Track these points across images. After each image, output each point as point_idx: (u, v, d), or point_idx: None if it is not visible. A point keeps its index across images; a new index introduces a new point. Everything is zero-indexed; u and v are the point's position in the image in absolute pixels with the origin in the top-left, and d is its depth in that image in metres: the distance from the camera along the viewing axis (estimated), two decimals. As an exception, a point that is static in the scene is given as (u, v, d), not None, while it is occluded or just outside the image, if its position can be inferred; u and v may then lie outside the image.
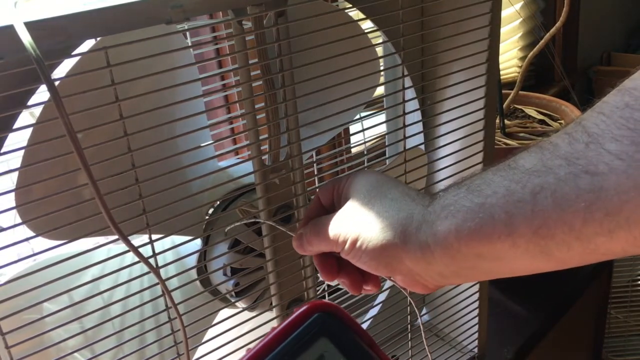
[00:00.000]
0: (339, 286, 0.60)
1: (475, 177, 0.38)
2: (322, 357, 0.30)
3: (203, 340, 0.61)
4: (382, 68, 0.69)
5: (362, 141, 0.78)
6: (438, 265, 0.39)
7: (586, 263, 0.35)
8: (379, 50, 0.67)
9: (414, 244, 0.40)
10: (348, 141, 0.96)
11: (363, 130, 0.73)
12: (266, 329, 0.64)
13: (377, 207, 0.43)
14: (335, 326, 0.31)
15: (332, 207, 0.48)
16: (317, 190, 0.52)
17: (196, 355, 0.60)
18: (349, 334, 0.31)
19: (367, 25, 0.66)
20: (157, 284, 0.53)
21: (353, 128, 0.81)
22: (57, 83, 0.44)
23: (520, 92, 1.26)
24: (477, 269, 0.39)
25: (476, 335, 0.87)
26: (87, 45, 0.47)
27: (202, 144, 0.58)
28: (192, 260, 0.62)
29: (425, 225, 0.39)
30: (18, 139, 0.48)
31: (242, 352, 0.62)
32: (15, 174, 0.47)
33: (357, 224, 0.43)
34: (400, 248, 0.40)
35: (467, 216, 0.37)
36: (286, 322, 0.31)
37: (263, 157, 0.59)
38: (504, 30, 1.58)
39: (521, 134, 1.19)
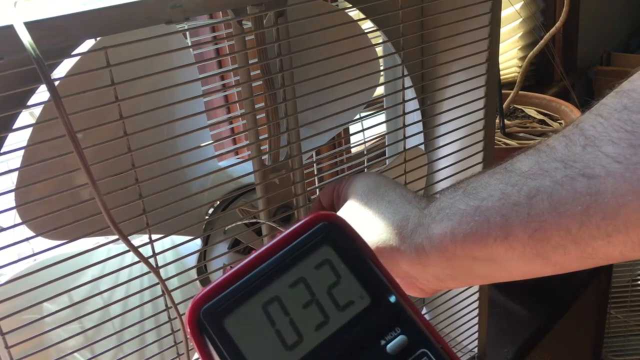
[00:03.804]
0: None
1: (472, 180, 0.38)
2: (324, 264, 0.31)
3: (203, 340, 0.61)
4: (382, 68, 0.69)
5: (362, 141, 0.78)
6: (434, 268, 0.39)
7: (584, 267, 0.34)
8: (379, 50, 0.67)
9: (410, 246, 0.39)
10: (348, 141, 0.96)
11: (363, 130, 0.73)
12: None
13: (374, 209, 0.42)
14: (339, 236, 0.32)
15: (333, 209, 0.48)
16: (319, 192, 0.52)
17: (196, 355, 0.60)
18: (353, 245, 0.32)
19: (367, 25, 0.66)
20: (157, 284, 0.53)
21: (353, 128, 0.81)
22: (57, 83, 0.44)
23: (520, 92, 1.26)
24: (473, 272, 0.38)
25: (476, 335, 0.87)
26: (87, 45, 0.47)
27: (202, 144, 0.58)
28: (192, 260, 0.62)
29: (420, 228, 0.39)
30: (18, 139, 0.48)
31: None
32: (15, 174, 0.47)
33: (353, 225, 0.43)
34: (396, 250, 0.40)
35: (463, 219, 0.36)
36: (291, 228, 0.32)
37: (263, 157, 0.59)
38: (504, 30, 1.58)
39: (521, 134, 1.19)
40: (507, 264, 0.36)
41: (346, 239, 0.32)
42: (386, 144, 0.78)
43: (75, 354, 0.54)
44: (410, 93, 0.71)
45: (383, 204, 0.42)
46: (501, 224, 0.35)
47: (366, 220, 0.42)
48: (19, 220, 0.48)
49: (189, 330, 0.29)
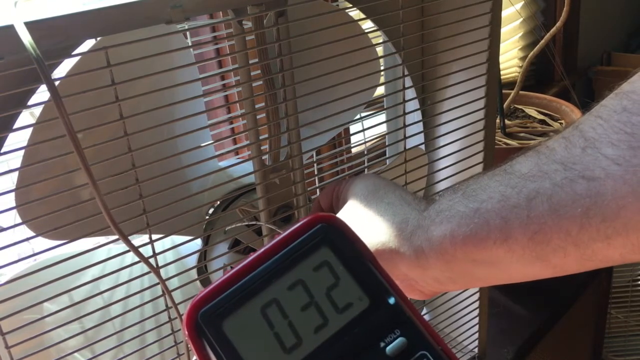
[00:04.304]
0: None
1: (471, 182, 0.38)
2: (322, 265, 0.31)
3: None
4: (382, 68, 0.69)
5: (362, 141, 0.78)
6: (433, 270, 0.39)
7: (584, 270, 0.34)
8: (379, 50, 0.67)
9: (409, 248, 0.39)
10: (348, 141, 0.96)
11: (363, 130, 0.73)
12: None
13: (373, 212, 0.42)
14: (337, 237, 0.32)
15: (332, 211, 0.48)
16: (318, 194, 0.52)
17: (196, 356, 0.60)
18: (351, 247, 0.32)
19: (367, 25, 0.66)
20: (157, 284, 0.53)
21: (353, 128, 0.81)
22: (57, 83, 0.44)
23: (520, 92, 1.26)
24: (473, 275, 0.38)
25: (476, 335, 0.87)
26: (87, 45, 0.47)
27: (202, 144, 0.58)
28: (192, 260, 0.62)
29: (420, 230, 0.39)
30: (18, 139, 0.48)
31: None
32: (15, 174, 0.47)
33: (352, 227, 0.43)
34: (395, 252, 0.40)
35: (462, 221, 0.36)
36: (290, 230, 0.31)
37: (263, 157, 0.59)
38: (504, 30, 1.58)
39: (521, 134, 1.19)
40: (507, 266, 0.36)
41: (345, 241, 0.32)
42: (386, 144, 0.78)
43: (75, 354, 0.54)
44: (410, 93, 0.71)
45: (382, 206, 0.42)
46: (500, 226, 0.34)
47: (365, 222, 0.42)
48: (19, 220, 0.48)
49: (187, 333, 0.29)
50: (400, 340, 0.29)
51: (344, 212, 0.45)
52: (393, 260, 0.40)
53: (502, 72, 1.60)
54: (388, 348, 0.29)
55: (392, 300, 0.30)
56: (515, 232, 0.34)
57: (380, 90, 0.70)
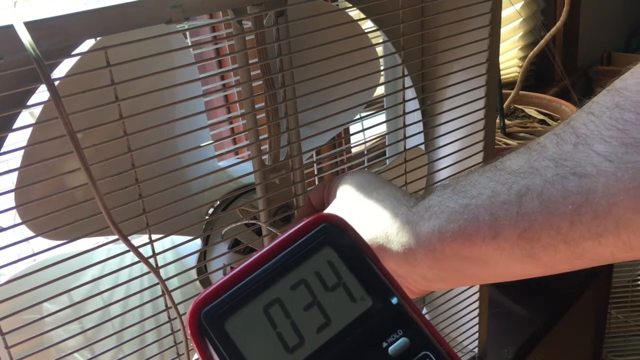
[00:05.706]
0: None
1: (462, 179, 0.37)
2: (325, 265, 0.31)
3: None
4: (382, 68, 0.69)
5: (362, 141, 0.78)
6: (421, 267, 0.38)
7: (575, 269, 0.34)
8: (379, 50, 0.67)
9: (397, 244, 0.38)
10: (348, 141, 0.96)
11: (363, 130, 0.73)
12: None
13: (361, 207, 0.42)
14: (340, 237, 0.32)
15: (323, 208, 0.48)
16: (309, 191, 0.52)
17: (196, 356, 0.60)
18: (354, 247, 0.32)
19: (367, 25, 0.66)
20: (157, 284, 0.53)
21: (353, 128, 0.81)
22: (56, 83, 0.44)
23: (520, 92, 1.26)
24: (462, 272, 0.37)
25: (476, 335, 0.87)
26: (87, 45, 0.47)
27: (202, 144, 0.58)
28: (192, 260, 0.62)
29: (408, 226, 0.38)
30: (18, 139, 0.48)
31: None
32: (15, 174, 0.47)
33: None
34: (383, 248, 0.39)
35: (451, 217, 0.36)
36: (292, 229, 0.31)
37: (263, 157, 0.59)
38: (504, 30, 1.58)
39: (521, 134, 1.19)
40: (496, 264, 0.35)
41: (348, 241, 0.32)
42: (386, 144, 0.78)
43: (75, 354, 0.54)
44: (410, 93, 0.71)
45: (371, 202, 0.42)
46: (490, 223, 0.34)
47: (354, 218, 0.41)
48: (19, 220, 0.48)
49: (189, 332, 0.29)
50: (402, 340, 0.29)
51: (332, 207, 0.44)
52: (381, 256, 0.39)
53: (502, 72, 1.60)
54: (390, 348, 0.29)
55: (394, 301, 0.30)
56: (504, 228, 0.33)
57: (380, 90, 0.70)
